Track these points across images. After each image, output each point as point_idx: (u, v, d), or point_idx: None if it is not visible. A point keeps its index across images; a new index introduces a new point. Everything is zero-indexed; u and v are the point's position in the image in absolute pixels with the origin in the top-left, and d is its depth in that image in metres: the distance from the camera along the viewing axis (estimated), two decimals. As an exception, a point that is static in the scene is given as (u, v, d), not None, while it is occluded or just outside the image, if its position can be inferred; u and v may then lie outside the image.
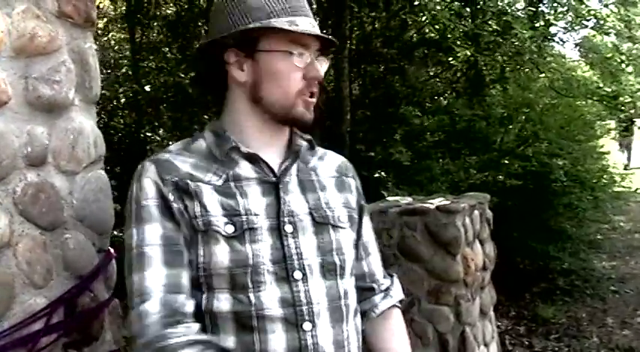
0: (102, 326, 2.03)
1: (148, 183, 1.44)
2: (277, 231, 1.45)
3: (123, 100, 7.09)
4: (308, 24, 1.49)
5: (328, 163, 1.67)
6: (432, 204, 4.30)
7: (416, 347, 4.06)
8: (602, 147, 9.50)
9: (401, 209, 4.25)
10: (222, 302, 1.40)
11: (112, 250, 2.11)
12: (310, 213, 1.51)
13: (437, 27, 7.12)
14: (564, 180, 7.07)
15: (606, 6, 7.83)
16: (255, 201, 1.46)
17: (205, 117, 6.65)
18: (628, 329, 6.15)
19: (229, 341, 1.39)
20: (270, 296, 1.40)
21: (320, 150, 1.68)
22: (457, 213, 4.15)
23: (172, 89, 6.55)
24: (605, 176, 8.27)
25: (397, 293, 1.74)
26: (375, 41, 8.31)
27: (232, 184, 1.46)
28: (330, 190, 1.60)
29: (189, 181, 1.44)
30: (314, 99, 1.53)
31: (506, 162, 7.01)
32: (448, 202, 4.31)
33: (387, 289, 1.72)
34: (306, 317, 1.43)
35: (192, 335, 1.35)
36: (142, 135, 6.53)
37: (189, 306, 1.38)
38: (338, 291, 1.51)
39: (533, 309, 6.76)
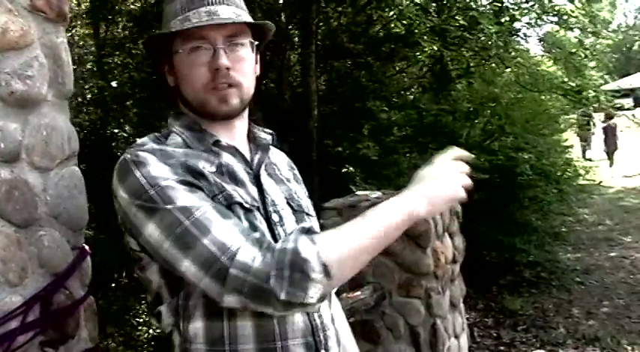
0: (77, 324, 2.01)
1: (158, 167, 1.36)
2: (266, 220, 1.47)
3: (89, 97, 7.00)
4: (202, 14, 1.46)
5: (280, 159, 1.73)
6: (402, 198, 4.31)
7: (387, 341, 4.12)
8: (565, 140, 9.66)
9: (371, 203, 4.26)
10: None
11: (86, 247, 2.08)
12: (288, 203, 1.56)
13: (404, 22, 7.13)
14: (530, 174, 7.17)
15: (572, 1, 7.92)
16: (246, 190, 1.48)
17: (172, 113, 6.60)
18: (593, 319, 6.27)
19: (247, 326, 1.40)
20: None
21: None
22: (427, 206, 4.17)
23: (139, 85, 6.48)
24: (569, 169, 8.41)
25: None
26: (342, 36, 8.32)
27: (225, 170, 1.47)
28: (293, 183, 1.67)
29: (191, 165, 1.40)
30: (230, 90, 1.49)
31: (473, 156, 7.06)
32: (418, 196, 4.33)
33: None
34: None
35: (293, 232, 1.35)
36: (107, 132, 6.45)
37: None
38: None
39: (500, 301, 6.87)
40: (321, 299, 1.30)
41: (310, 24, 7.74)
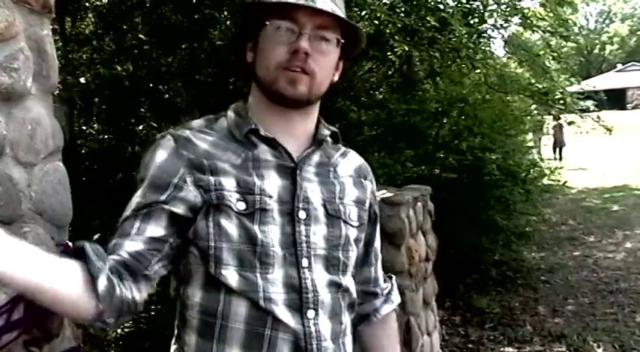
0: (61, 323, 1.97)
1: (160, 155, 1.44)
2: (290, 215, 1.44)
3: (56, 93, 6.85)
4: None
5: (349, 162, 1.66)
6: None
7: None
8: (530, 141, 9.79)
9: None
10: (230, 278, 1.39)
11: (70, 244, 2.04)
12: (324, 205, 1.51)
13: (375, 22, 7.13)
14: (497, 174, 7.25)
15: (543, 5, 8.01)
16: (270, 184, 1.44)
17: (142, 110, 6.53)
18: (559, 316, 6.38)
19: (241, 305, 1.39)
20: (276, 280, 1.40)
21: (343, 147, 1.66)
22: (401, 205, 4.21)
23: (107, 82, 6.40)
24: (534, 169, 8.52)
25: (397, 298, 1.79)
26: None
27: (250, 164, 1.45)
28: (347, 188, 1.59)
29: (204, 160, 1.42)
30: (301, 75, 1.44)
31: (442, 155, 7.12)
32: (392, 194, 4.36)
33: (389, 293, 1.76)
34: (311, 305, 1.43)
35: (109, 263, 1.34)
36: (75, 129, 6.35)
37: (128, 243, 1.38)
38: (339, 286, 1.51)
39: (467, 300, 6.93)
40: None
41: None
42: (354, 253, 1.57)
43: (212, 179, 1.41)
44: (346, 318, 1.55)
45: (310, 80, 1.45)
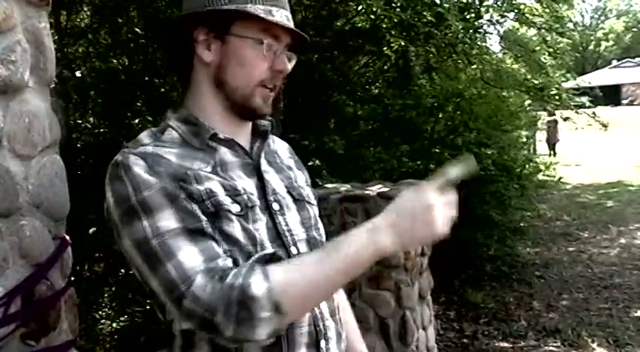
0: (59, 316, 1.97)
1: (144, 175, 1.34)
2: (267, 210, 1.46)
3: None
4: (284, 16, 1.47)
5: (281, 146, 1.72)
6: (372, 190, 4.34)
7: (356, 333, 4.14)
8: (525, 137, 9.78)
9: (341, 195, 4.27)
10: None
11: (67, 237, 2.04)
12: (288, 192, 1.55)
13: (372, 17, 7.15)
14: (492, 169, 7.24)
15: (539, 1, 8.02)
16: (245, 183, 1.46)
17: (138, 104, 6.51)
18: (554, 312, 6.39)
19: None
20: None
21: (270, 135, 1.69)
22: (397, 200, 4.19)
23: (103, 75, 6.37)
24: (529, 165, 8.53)
25: None
26: (307, 30, 8.28)
27: (219, 169, 1.44)
28: (295, 171, 1.66)
29: (185, 170, 1.38)
30: (273, 94, 1.50)
31: (437, 150, 7.12)
32: (388, 189, 4.36)
33: None
34: None
35: (248, 264, 1.29)
36: (71, 122, 6.32)
37: (230, 262, 1.31)
38: None
39: (462, 295, 6.92)
40: (273, 334, 1.28)
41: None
42: (323, 230, 1.61)
43: (201, 188, 1.37)
44: (335, 294, 1.58)
45: (272, 97, 1.51)
